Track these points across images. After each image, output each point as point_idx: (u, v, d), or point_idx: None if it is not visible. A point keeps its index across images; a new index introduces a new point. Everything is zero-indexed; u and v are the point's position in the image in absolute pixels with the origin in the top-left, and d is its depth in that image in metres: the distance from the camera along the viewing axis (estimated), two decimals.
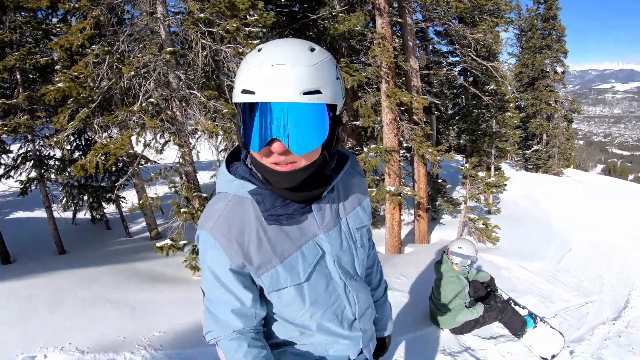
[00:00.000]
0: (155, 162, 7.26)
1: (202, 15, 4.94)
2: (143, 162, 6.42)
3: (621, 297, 6.53)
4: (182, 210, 5.77)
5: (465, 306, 4.44)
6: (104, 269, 6.18)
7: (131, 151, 5.46)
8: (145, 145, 5.76)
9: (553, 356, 4.32)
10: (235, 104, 1.01)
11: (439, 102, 13.35)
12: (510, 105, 16.06)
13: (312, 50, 0.98)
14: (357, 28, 8.54)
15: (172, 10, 5.50)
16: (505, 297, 5.00)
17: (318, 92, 0.95)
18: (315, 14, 9.05)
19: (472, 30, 9.48)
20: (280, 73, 0.92)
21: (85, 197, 9.20)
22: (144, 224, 9.20)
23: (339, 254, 1.27)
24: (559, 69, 24.63)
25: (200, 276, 6.34)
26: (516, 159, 27.05)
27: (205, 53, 5.32)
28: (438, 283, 4.56)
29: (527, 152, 25.86)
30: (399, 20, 9.24)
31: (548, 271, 7.27)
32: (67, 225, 8.96)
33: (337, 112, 1.06)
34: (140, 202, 5.85)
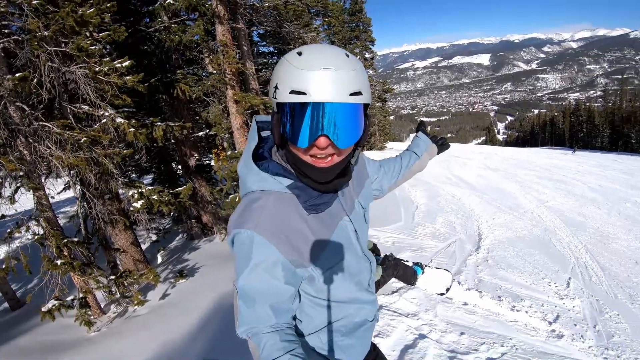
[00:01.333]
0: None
1: (46, 33, 4.28)
2: None
3: (473, 233, 7.73)
4: (59, 262, 4.96)
5: None
6: None
7: None
8: None
9: (447, 289, 4.99)
10: (279, 103, 1.08)
11: None
12: None
13: (347, 56, 1.10)
14: (194, 38, 8.40)
15: (6, 31, 4.59)
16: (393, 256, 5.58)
17: (360, 93, 1.08)
18: (147, 27, 8.60)
19: (305, 29, 10.10)
20: (330, 76, 1.03)
21: None
22: None
23: (359, 230, 1.42)
24: (368, 55, 27.72)
25: (98, 330, 5.64)
26: None
27: (52, 77, 4.64)
28: None
29: None
30: (236, 25, 9.32)
31: (407, 229, 8.15)
32: None
33: (367, 111, 1.19)
34: (4, 266, 4.85)
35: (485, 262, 6.11)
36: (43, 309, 4.91)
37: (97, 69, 4.67)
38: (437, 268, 5.23)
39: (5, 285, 6.88)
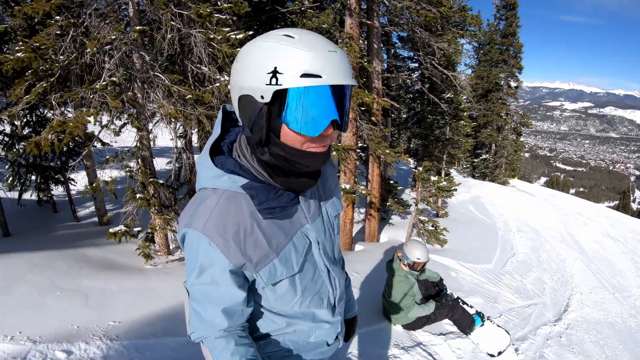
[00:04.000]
0: (109, 144, 6.97)
1: None
2: (97, 144, 6.12)
3: (561, 301, 6.98)
4: (138, 196, 5.56)
5: (417, 303, 4.60)
6: (54, 253, 5.79)
7: (87, 131, 5.17)
8: (103, 126, 5.46)
9: (499, 352, 4.58)
10: (282, 90, 0.98)
11: (397, 106, 13.66)
12: (464, 114, 16.74)
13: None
14: (324, 26, 8.58)
15: None
16: (454, 296, 5.22)
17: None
18: (284, 8, 8.99)
19: (437, 39, 9.76)
20: (338, 58, 0.98)
21: (33, 177, 8.62)
22: (92, 208, 8.72)
23: (324, 242, 1.33)
24: (513, 84, 25.75)
25: (154, 265, 6.20)
26: (464, 166, 28.11)
27: (172, 35, 5.16)
28: (389, 281, 4.69)
29: (476, 160, 26.95)
30: (367, 22, 9.34)
31: (493, 273, 7.63)
32: (12, 205, 8.35)
33: None
34: (93, 184, 5.56)
35: (557, 338, 5.48)
36: (110, 230, 5.59)
37: (212, 35, 5.05)
38: (498, 326, 4.86)
39: (100, 203, 7.96)
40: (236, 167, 1.15)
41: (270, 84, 0.96)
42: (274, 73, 0.96)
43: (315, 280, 1.32)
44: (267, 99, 0.99)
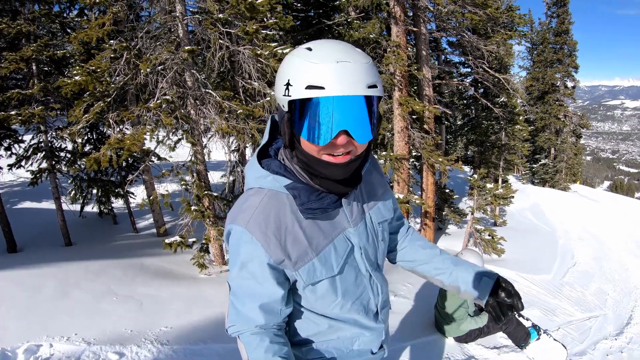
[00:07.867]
0: (166, 159, 7.34)
1: (221, 15, 5.01)
2: (154, 159, 6.47)
3: (624, 313, 6.51)
4: (193, 208, 5.81)
5: (469, 315, 4.45)
6: (111, 262, 6.15)
7: (144, 147, 5.50)
8: (159, 142, 5.79)
9: None
10: (293, 100, 1.03)
11: (450, 113, 13.31)
12: (520, 118, 16.08)
13: (357, 49, 1.05)
14: (371, 35, 8.60)
15: (191, 9, 5.57)
16: None
17: (375, 86, 1.02)
18: (331, 20, 9.11)
19: (486, 42, 9.48)
20: (347, 69, 0.98)
21: (94, 191, 9.23)
22: (151, 220, 9.21)
23: (366, 247, 1.32)
24: (570, 84, 24.47)
25: (208, 274, 6.41)
26: (523, 172, 26.93)
27: (222, 53, 5.39)
28: (442, 292, 4.58)
29: (535, 165, 25.71)
30: (414, 29, 9.25)
31: (552, 284, 7.26)
32: (74, 217, 8.98)
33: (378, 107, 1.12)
34: (150, 197, 5.89)
35: (618, 353, 5.09)
36: (166, 241, 5.89)
37: (259, 51, 5.22)
38: (555, 340, 4.61)
39: (159, 215, 8.37)
40: (280, 169, 1.21)
41: (285, 95, 1.02)
42: (287, 85, 1.01)
43: (357, 284, 1.33)
44: (286, 108, 1.06)
